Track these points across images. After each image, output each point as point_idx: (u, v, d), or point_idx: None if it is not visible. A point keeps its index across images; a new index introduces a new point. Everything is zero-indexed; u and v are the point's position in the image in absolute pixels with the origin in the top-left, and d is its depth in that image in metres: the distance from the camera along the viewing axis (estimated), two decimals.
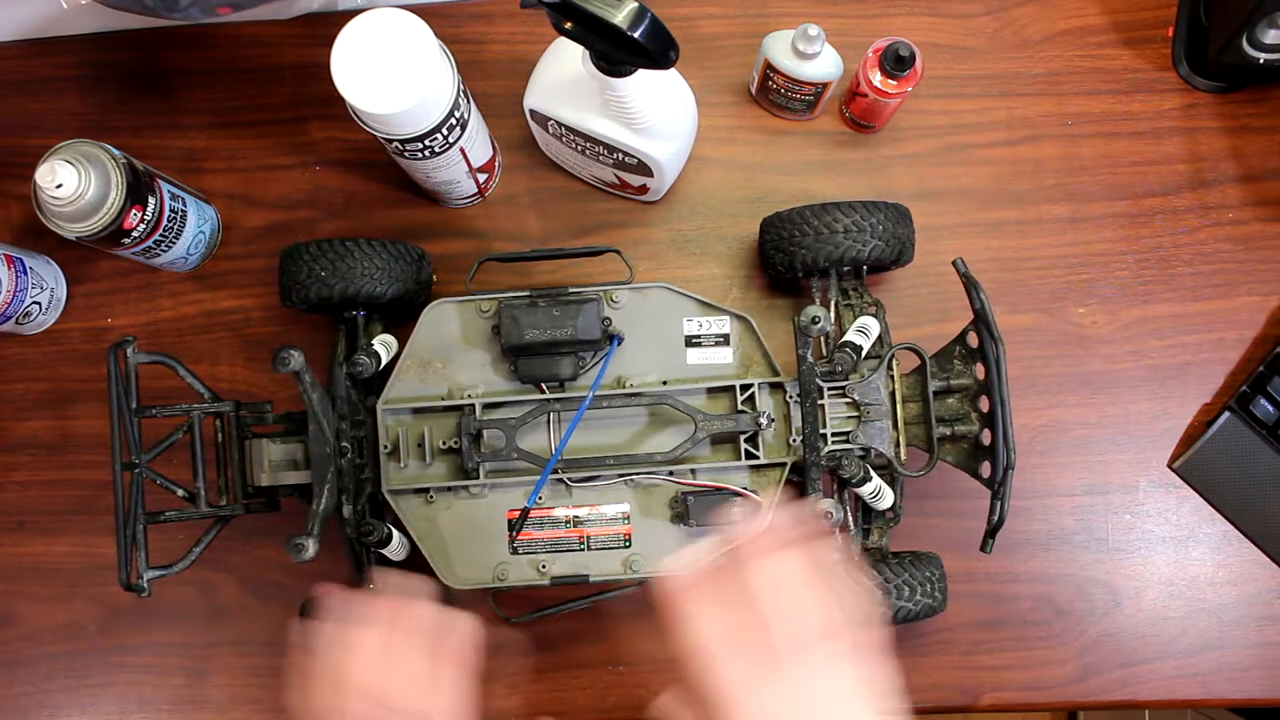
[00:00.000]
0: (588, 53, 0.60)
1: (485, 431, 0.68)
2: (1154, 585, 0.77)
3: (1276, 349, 0.77)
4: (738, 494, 0.67)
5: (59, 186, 0.67)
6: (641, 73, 0.61)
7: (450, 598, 0.73)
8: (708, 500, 0.67)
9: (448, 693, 0.54)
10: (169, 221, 0.74)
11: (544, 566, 0.69)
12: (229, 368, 0.81)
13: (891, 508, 0.69)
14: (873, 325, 0.69)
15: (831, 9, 0.82)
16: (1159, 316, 0.79)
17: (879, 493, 0.68)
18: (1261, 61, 0.75)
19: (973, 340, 0.68)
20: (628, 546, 0.69)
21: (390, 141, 0.67)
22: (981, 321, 0.65)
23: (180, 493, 0.70)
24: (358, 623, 0.54)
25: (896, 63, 0.72)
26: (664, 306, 0.70)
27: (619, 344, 0.69)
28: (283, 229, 0.82)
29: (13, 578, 0.80)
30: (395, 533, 0.69)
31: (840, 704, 0.45)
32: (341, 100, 0.64)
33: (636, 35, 0.55)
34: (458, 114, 0.67)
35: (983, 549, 0.65)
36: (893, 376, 0.69)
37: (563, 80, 0.68)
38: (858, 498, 0.69)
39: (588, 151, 0.73)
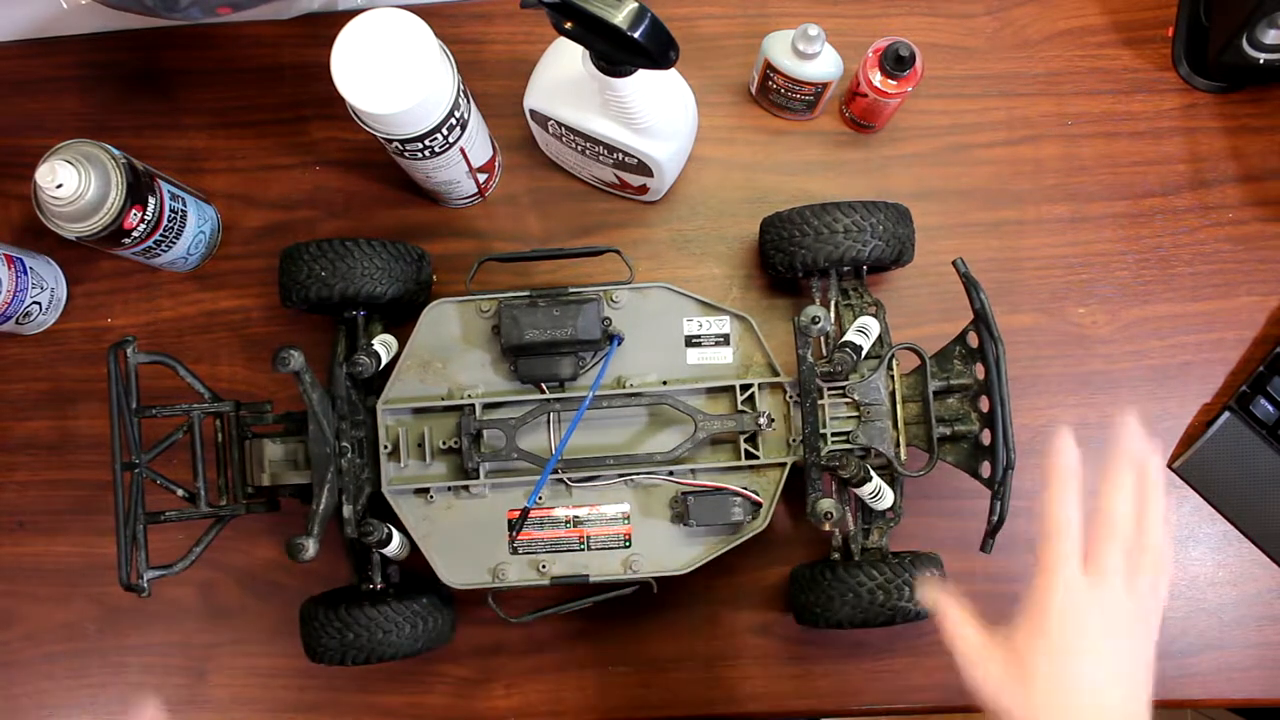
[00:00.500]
0: (588, 53, 0.60)
1: (485, 431, 0.68)
2: None
3: (1276, 349, 0.77)
4: (738, 494, 0.67)
5: (59, 186, 0.67)
6: (641, 73, 0.61)
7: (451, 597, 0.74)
8: (708, 500, 0.67)
9: None
10: (169, 221, 0.74)
11: (544, 566, 0.69)
12: (229, 368, 0.81)
13: (891, 508, 0.69)
14: (873, 325, 0.69)
15: (831, 9, 0.82)
16: (1159, 316, 0.79)
17: (879, 493, 0.68)
18: (1261, 61, 0.75)
19: (973, 340, 0.68)
20: (628, 546, 0.69)
21: (390, 141, 0.67)
22: (981, 321, 0.65)
23: (180, 493, 0.70)
24: None
25: (896, 63, 0.72)
26: (664, 306, 0.70)
27: (619, 344, 0.69)
28: (283, 229, 0.82)
29: (12, 578, 0.80)
30: (395, 533, 0.69)
31: None
32: (341, 100, 0.64)
33: (636, 35, 0.55)
34: (458, 114, 0.67)
35: (983, 549, 0.65)
36: (893, 376, 0.69)
37: (563, 80, 0.68)
38: (858, 498, 0.69)
39: (588, 151, 0.73)
